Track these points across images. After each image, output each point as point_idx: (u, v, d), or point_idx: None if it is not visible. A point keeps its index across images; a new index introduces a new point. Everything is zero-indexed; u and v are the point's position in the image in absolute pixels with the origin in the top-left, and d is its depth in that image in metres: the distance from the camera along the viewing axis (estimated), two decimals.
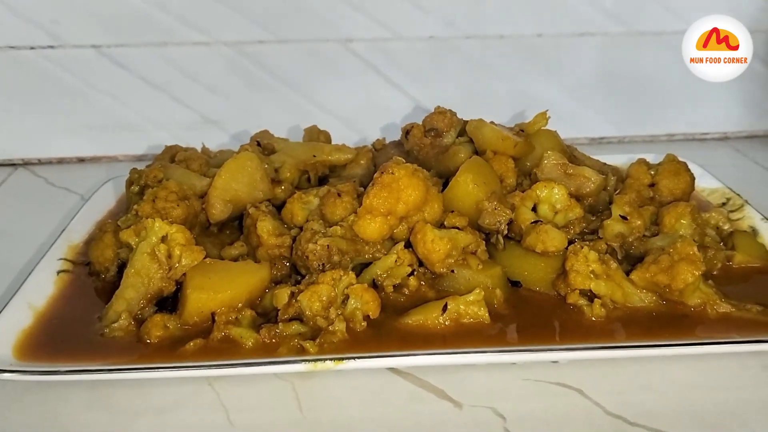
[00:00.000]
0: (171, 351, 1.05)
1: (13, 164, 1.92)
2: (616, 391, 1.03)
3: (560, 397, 1.03)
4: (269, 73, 1.85)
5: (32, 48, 1.79)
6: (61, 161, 1.93)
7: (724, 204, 1.42)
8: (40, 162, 1.93)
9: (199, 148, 1.49)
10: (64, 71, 1.83)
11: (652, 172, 1.37)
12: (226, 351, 1.04)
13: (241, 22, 1.79)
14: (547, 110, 1.37)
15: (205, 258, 1.13)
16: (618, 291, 1.09)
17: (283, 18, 1.79)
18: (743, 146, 1.93)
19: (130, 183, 1.32)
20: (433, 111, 1.35)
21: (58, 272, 1.25)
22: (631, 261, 1.21)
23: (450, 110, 1.35)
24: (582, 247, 1.10)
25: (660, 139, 1.98)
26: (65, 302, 1.18)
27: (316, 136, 1.45)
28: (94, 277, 1.24)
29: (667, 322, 1.08)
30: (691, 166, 1.53)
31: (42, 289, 1.19)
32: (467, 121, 1.35)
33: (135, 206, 1.20)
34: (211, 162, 1.36)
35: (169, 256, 1.11)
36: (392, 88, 1.88)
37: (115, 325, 1.08)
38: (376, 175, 1.13)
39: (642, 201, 1.34)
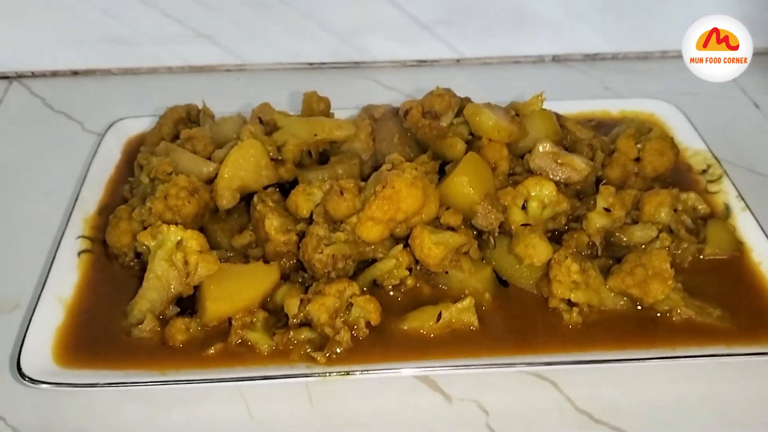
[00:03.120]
0: (195, 354, 1.18)
1: (7, 77, 1.92)
2: (587, 386, 1.18)
3: (537, 390, 1.18)
4: None
5: None
6: (55, 74, 1.93)
7: (704, 171, 1.50)
8: (34, 75, 1.92)
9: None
10: None
11: (639, 146, 1.43)
12: (245, 355, 1.17)
13: None
14: (542, 92, 1.40)
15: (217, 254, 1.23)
16: (595, 297, 1.21)
17: None
18: None
19: (139, 166, 1.37)
20: (431, 91, 1.37)
21: (79, 253, 1.33)
22: (610, 249, 1.32)
23: (448, 91, 1.38)
24: (566, 258, 1.20)
25: (654, 56, 1.98)
26: (90, 291, 1.28)
27: (316, 104, 1.47)
28: (113, 259, 1.34)
29: (637, 325, 1.21)
30: (681, 123, 1.59)
31: (67, 276, 1.28)
32: (465, 102, 1.38)
33: (148, 203, 1.26)
34: (214, 138, 1.40)
35: (186, 262, 1.20)
36: (389, 3, 1.85)
37: (142, 326, 1.19)
38: (377, 187, 1.19)
39: (627, 175, 1.42)
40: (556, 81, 1.93)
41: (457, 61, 1.97)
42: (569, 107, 1.65)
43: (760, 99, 1.82)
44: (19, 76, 1.92)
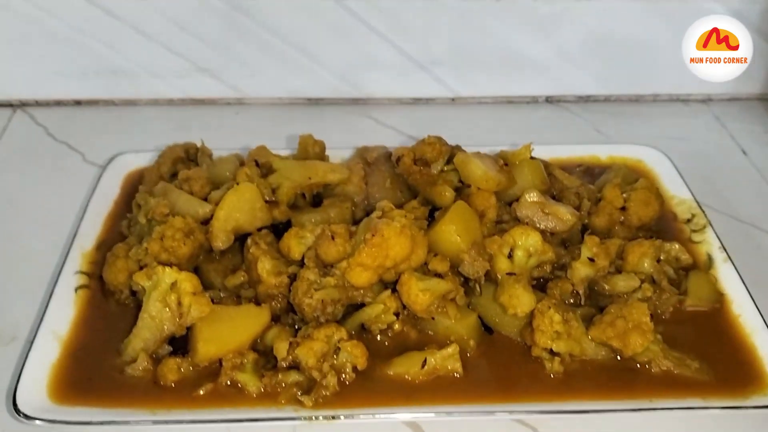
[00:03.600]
0: (186, 393, 1.21)
1: (11, 105, 1.96)
2: None
3: None
4: (261, 26, 1.85)
5: None
6: (58, 103, 1.97)
7: (689, 220, 1.53)
8: (38, 103, 1.96)
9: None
10: (53, 18, 1.82)
11: (625, 196, 1.46)
12: (234, 396, 1.21)
13: None
14: (531, 142, 1.44)
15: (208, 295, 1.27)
16: (577, 347, 1.24)
17: None
18: (722, 111, 1.99)
19: (138, 205, 1.41)
20: (423, 139, 1.41)
21: (76, 289, 1.37)
22: (594, 298, 1.35)
23: (439, 139, 1.42)
24: (549, 308, 1.24)
25: (645, 99, 2.03)
26: (86, 326, 1.31)
27: (311, 147, 1.51)
28: (109, 296, 1.37)
29: (616, 375, 1.24)
30: (668, 171, 1.62)
31: (64, 312, 1.32)
32: (456, 150, 1.42)
33: (145, 243, 1.30)
34: (211, 178, 1.44)
35: (179, 304, 1.24)
36: (384, 42, 1.89)
37: (135, 365, 1.23)
38: (367, 235, 1.23)
39: (612, 223, 1.46)
40: (549, 122, 1.97)
41: (453, 99, 2.01)
42: (559, 152, 1.69)
43: (748, 146, 1.86)
44: (23, 105, 1.96)
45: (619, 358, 1.26)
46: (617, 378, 1.24)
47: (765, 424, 1.21)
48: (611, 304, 1.29)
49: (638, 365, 1.25)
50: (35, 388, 1.19)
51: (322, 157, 1.54)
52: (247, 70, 1.93)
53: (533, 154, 1.48)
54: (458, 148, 1.45)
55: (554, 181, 1.49)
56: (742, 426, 1.21)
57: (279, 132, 1.80)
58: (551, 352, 1.25)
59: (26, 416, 1.14)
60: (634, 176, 1.56)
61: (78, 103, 1.97)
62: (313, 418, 1.16)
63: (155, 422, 1.16)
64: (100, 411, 1.17)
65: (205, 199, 1.40)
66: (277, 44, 1.88)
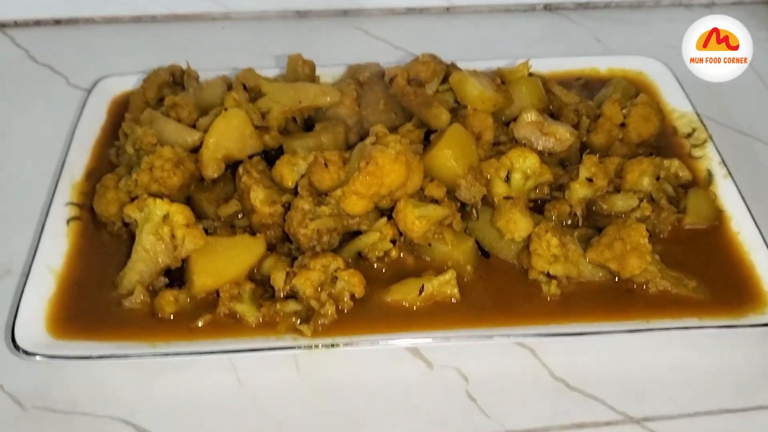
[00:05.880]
0: (184, 324, 1.21)
1: None
2: (563, 355, 1.22)
3: (515, 357, 1.23)
4: None
5: None
6: (38, 23, 1.89)
7: (689, 135, 1.50)
8: (17, 24, 1.89)
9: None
10: None
11: (625, 112, 1.43)
12: (233, 326, 1.21)
13: None
14: (529, 59, 1.38)
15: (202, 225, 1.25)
16: (574, 270, 1.24)
17: None
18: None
19: (125, 134, 1.37)
20: (417, 58, 1.36)
21: (68, 221, 1.35)
22: (592, 218, 1.34)
23: (433, 58, 1.37)
24: (546, 232, 1.22)
25: (647, 5, 1.95)
26: (80, 260, 1.30)
27: (300, 68, 1.46)
28: (101, 227, 1.35)
29: (613, 296, 1.25)
30: (669, 82, 1.58)
31: (57, 245, 1.31)
32: (451, 69, 1.37)
33: (134, 175, 1.27)
34: (199, 104, 1.39)
35: (173, 236, 1.22)
36: None
37: (132, 298, 1.23)
38: (362, 163, 1.20)
39: (611, 140, 1.43)
40: (548, 31, 1.91)
41: (447, 9, 1.93)
42: (557, 65, 1.64)
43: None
44: (2, 26, 1.88)
45: (616, 279, 1.25)
46: (614, 299, 1.25)
47: (761, 342, 1.22)
48: (609, 224, 1.27)
49: (635, 286, 1.25)
50: (33, 323, 1.19)
51: (312, 78, 1.49)
52: None
53: (531, 70, 1.43)
54: (453, 66, 1.40)
55: (552, 98, 1.45)
56: (738, 344, 1.22)
57: (267, 49, 1.74)
58: (548, 276, 1.24)
59: (26, 352, 1.14)
60: (634, 90, 1.52)
61: (58, 22, 1.90)
62: (313, 346, 1.17)
63: (155, 354, 1.16)
64: (99, 345, 1.18)
65: (193, 126, 1.36)
66: None
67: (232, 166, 1.36)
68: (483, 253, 1.30)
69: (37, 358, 1.15)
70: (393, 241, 1.28)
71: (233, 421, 1.15)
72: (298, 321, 1.20)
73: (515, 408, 1.16)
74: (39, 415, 1.15)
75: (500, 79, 1.37)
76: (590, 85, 1.61)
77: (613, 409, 1.16)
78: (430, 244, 1.27)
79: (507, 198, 1.27)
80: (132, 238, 1.27)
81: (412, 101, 1.37)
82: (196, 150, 1.33)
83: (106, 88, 1.59)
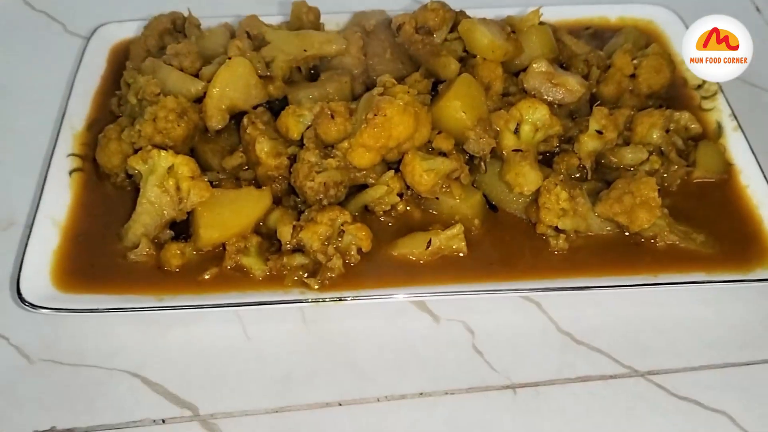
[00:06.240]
0: (191, 277, 1.21)
1: None
2: (570, 309, 1.22)
3: (522, 311, 1.23)
4: None
5: None
6: None
7: (699, 86, 1.48)
8: None
9: None
10: None
11: (635, 62, 1.40)
12: (240, 279, 1.21)
13: None
14: (540, 7, 1.35)
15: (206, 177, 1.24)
16: (583, 224, 1.23)
17: None
18: None
19: (126, 84, 1.34)
20: (425, 5, 1.33)
21: (70, 173, 1.33)
22: (601, 171, 1.32)
23: (442, 5, 1.33)
24: (555, 185, 1.21)
25: None
26: (84, 212, 1.29)
27: (305, 15, 1.42)
28: (104, 179, 1.33)
29: (622, 250, 1.24)
30: (679, 30, 1.54)
31: (60, 197, 1.29)
32: (460, 17, 1.34)
33: (137, 125, 1.25)
34: (202, 53, 1.36)
35: (178, 188, 1.21)
36: None
37: (137, 250, 1.22)
38: (369, 115, 1.18)
39: (621, 92, 1.40)
40: None
41: None
42: (567, 13, 1.60)
43: (762, 2, 1.77)
44: None
45: (625, 233, 1.25)
46: (621, 253, 1.24)
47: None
48: (618, 177, 1.26)
49: (643, 240, 1.25)
50: (38, 276, 1.19)
51: (317, 25, 1.46)
52: None
53: (541, 19, 1.40)
54: (462, 14, 1.37)
55: (562, 47, 1.42)
56: (745, 299, 1.22)
57: None
58: (556, 229, 1.23)
59: (31, 305, 1.14)
60: (644, 40, 1.49)
61: None
62: (320, 300, 1.17)
63: (162, 308, 1.16)
64: (105, 297, 1.18)
65: (197, 76, 1.33)
66: None
67: (236, 117, 1.33)
68: (491, 206, 1.29)
69: (43, 311, 1.14)
70: (400, 195, 1.26)
71: (240, 374, 1.15)
72: (305, 275, 1.19)
73: (521, 361, 1.17)
74: (46, 368, 1.16)
75: (510, 28, 1.34)
76: (600, 35, 1.57)
77: (618, 362, 1.17)
78: (437, 198, 1.26)
79: (516, 151, 1.26)
80: (136, 189, 1.26)
81: (419, 50, 1.34)
82: (199, 100, 1.30)
83: (105, 36, 1.56)
